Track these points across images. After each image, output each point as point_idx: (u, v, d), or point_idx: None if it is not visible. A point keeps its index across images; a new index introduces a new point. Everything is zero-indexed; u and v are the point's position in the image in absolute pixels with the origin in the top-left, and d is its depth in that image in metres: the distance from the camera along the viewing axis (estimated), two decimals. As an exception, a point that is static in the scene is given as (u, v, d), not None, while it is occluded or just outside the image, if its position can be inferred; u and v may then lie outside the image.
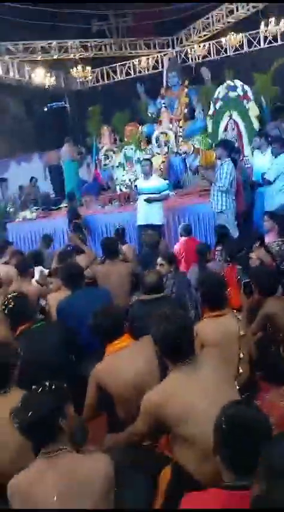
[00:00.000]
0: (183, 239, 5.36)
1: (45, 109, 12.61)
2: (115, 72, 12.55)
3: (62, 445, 1.60)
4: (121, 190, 8.64)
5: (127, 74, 12.36)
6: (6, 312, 2.78)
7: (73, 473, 1.55)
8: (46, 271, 4.69)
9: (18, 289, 3.41)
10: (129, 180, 8.61)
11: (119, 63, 12.51)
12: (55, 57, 12.04)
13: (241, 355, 2.67)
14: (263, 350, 2.95)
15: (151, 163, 6.49)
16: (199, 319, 3.85)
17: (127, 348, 2.37)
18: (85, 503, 1.51)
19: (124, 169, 9.17)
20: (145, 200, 5.86)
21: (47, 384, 1.66)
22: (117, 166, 9.38)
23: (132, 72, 12.26)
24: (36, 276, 4.27)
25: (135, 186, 6.22)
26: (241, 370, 2.62)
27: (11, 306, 2.76)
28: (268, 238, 4.78)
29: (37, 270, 4.46)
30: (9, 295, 2.90)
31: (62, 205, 8.56)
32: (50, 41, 11.84)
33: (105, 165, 10.18)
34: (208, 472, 1.73)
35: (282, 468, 0.98)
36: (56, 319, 3.22)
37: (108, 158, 10.18)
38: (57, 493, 1.51)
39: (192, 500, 1.39)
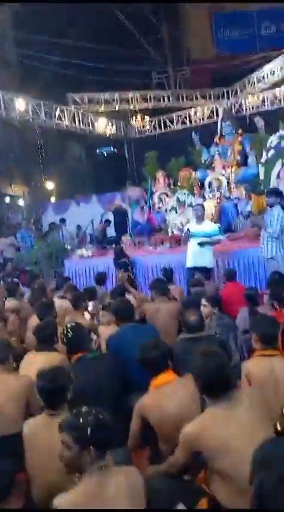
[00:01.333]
0: (227, 284, 5.42)
1: (103, 153, 13.49)
2: (172, 121, 13.23)
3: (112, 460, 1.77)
4: (173, 232, 8.90)
5: (183, 123, 12.99)
6: (64, 340, 3.00)
7: (125, 482, 1.74)
8: (99, 306, 4.96)
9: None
10: (181, 223, 8.86)
11: (176, 113, 13.19)
12: (116, 108, 12.96)
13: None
14: None
15: (204, 207, 6.71)
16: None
17: (171, 384, 2.50)
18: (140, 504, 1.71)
19: (176, 213, 9.47)
20: (198, 244, 6.02)
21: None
22: (170, 210, 9.70)
23: (187, 121, 12.88)
24: (90, 308, 4.54)
25: (187, 229, 6.42)
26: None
27: (69, 334, 2.98)
28: None
29: (90, 304, 4.74)
30: (68, 325, 3.12)
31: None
32: (112, 93, 12.81)
33: (158, 207, 10.58)
34: (243, 507, 1.80)
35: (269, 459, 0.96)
36: (106, 351, 3.42)
37: (161, 201, 10.59)
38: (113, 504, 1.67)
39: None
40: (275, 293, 4.16)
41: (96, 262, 8.22)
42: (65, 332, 3.01)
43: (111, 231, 10.77)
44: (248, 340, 4.22)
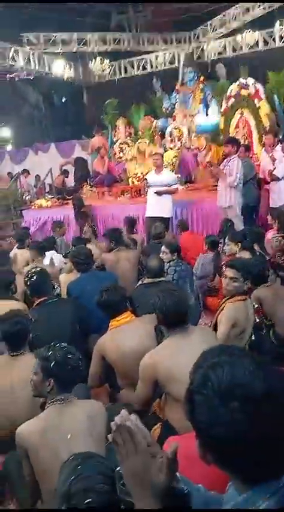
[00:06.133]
0: (182, 233, 5.50)
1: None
2: (132, 66, 12.74)
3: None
4: (133, 183, 8.87)
5: (144, 68, 12.55)
6: (28, 283, 3.03)
7: (84, 413, 1.84)
8: (58, 255, 4.99)
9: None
10: (141, 173, 8.83)
11: (136, 58, 12.69)
12: (74, 49, 12.27)
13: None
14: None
15: (162, 157, 6.70)
16: (200, 306, 4.14)
17: (129, 323, 2.65)
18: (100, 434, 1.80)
19: (137, 163, 9.39)
20: (154, 193, 6.08)
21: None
22: (130, 160, 9.61)
23: (148, 66, 12.45)
24: (47, 260, 4.57)
25: (145, 179, 6.43)
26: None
27: (33, 279, 3.01)
28: (270, 233, 5.02)
29: (49, 254, 4.77)
30: (33, 269, 3.13)
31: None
32: (70, 34, 12.06)
33: (119, 157, 10.42)
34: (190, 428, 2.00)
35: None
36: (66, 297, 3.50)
37: (122, 151, 10.42)
38: (71, 432, 1.76)
39: (172, 441, 1.66)
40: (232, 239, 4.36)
41: (55, 212, 8.13)
42: (29, 276, 3.03)
43: (70, 181, 10.58)
44: (203, 285, 4.47)
